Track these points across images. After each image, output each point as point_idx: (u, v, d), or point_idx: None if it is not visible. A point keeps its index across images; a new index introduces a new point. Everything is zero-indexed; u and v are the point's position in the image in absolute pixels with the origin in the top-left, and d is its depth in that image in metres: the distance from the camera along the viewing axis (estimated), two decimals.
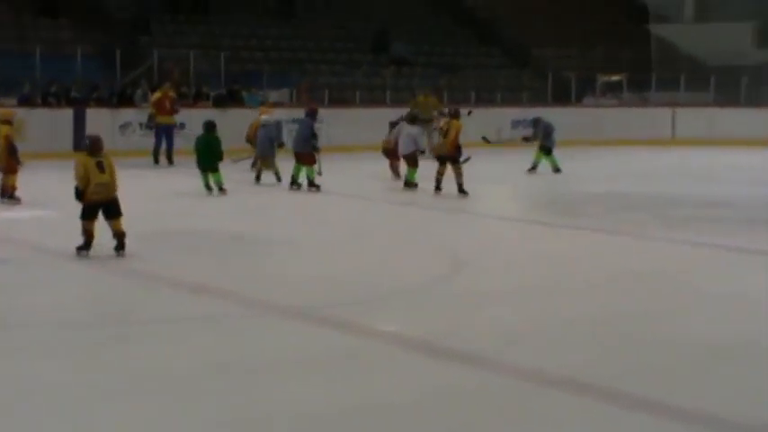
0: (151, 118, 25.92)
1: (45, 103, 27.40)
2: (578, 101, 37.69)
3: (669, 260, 13.42)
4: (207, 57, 31.66)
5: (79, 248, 12.56)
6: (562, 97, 36.83)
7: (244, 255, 13.54)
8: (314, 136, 20.31)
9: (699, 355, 8.74)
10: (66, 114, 27.11)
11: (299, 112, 28.34)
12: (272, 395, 7.60)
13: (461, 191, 19.39)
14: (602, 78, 39.16)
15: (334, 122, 28.52)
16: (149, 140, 25.99)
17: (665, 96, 37.66)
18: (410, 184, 20.56)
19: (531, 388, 7.91)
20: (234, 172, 20.34)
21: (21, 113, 22.04)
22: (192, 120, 25.80)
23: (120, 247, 12.66)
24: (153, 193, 19.31)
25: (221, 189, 19.30)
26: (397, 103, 31.07)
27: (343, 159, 25.46)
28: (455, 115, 20.28)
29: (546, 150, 24.48)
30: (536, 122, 25.33)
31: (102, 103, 28.17)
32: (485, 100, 34.35)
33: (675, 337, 9.28)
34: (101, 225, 12.67)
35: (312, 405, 7.38)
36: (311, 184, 20.08)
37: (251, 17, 36.12)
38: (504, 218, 18.49)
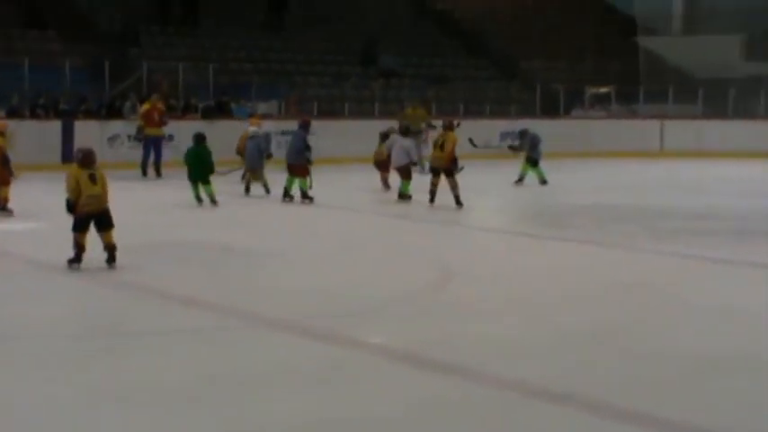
0: (140, 130, 25.89)
1: (33, 115, 27.41)
2: (567, 113, 37.79)
3: (658, 272, 13.44)
4: (196, 69, 31.68)
5: (70, 261, 12.54)
6: (551, 109, 36.92)
7: (234, 267, 13.53)
8: (308, 148, 20.30)
9: (687, 368, 8.75)
10: (55, 126, 27.12)
11: (288, 124, 28.56)
12: (263, 407, 7.60)
13: (458, 203, 19.40)
14: (591, 91, 39.28)
15: (323, 134, 28.54)
16: (138, 153, 25.98)
17: (654, 108, 37.79)
18: (404, 197, 20.57)
19: (517, 399, 7.91)
20: (223, 184, 20.33)
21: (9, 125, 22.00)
22: (181, 132, 25.85)
23: (110, 259, 12.65)
24: (142, 205, 19.30)
25: (213, 201, 19.29)
26: (385, 115, 31.15)
27: (333, 171, 25.49)
28: (450, 127, 20.25)
29: (532, 162, 24.54)
30: (522, 134, 25.39)
31: (90, 115, 28.19)
32: (473, 112, 34.43)
33: (664, 349, 9.29)
34: (91, 238, 12.65)
35: (303, 417, 7.37)
36: (304, 195, 20.08)
37: (240, 29, 36.16)
38: (493, 230, 18.51)
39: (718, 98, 37.13)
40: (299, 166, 20.15)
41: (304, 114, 27.96)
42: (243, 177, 22.21)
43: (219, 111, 30.00)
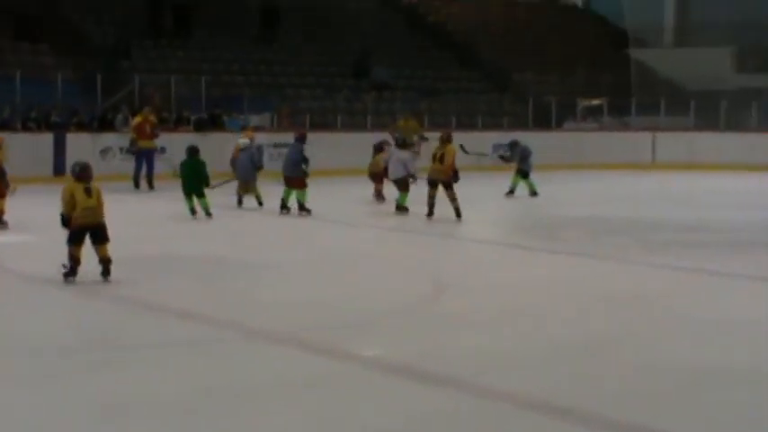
0: (133, 143, 25.84)
1: (25, 128, 27.37)
2: (559, 125, 37.83)
3: (650, 284, 13.46)
4: (188, 81, 31.65)
5: (66, 275, 12.50)
6: (543, 122, 36.96)
7: (229, 279, 13.51)
8: (305, 160, 20.34)
9: (681, 380, 8.75)
10: (47, 139, 27.11)
11: (281, 137, 28.61)
12: (259, 420, 7.59)
13: (458, 215, 19.39)
14: (583, 103, 39.29)
15: (315, 147, 28.53)
16: (130, 165, 25.96)
17: (646, 121, 37.83)
18: (401, 209, 20.56)
19: (511, 411, 7.91)
20: (217, 196, 20.32)
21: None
22: (173, 144, 25.80)
23: (105, 272, 12.61)
24: (134, 217, 19.27)
25: (208, 213, 19.29)
26: (378, 127, 31.13)
27: (325, 183, 25.47)
28: (448, 140, 20.21)
29: (523, 174, 24.59)
30: (513, 145, 25.45)
31: (82, 127, 28.18)
32: (465, 124, 34.41)
33: (657, 361, 9.29)
34: (86, 251, 12.64)
35: (299, 430, 7.38)
36: (302, 208, 20.09)
37: (232, 42, 36.15)
38: (487, 242, 18.53)
39: (709, 110, 37.19)
40: (297, 178, 20.19)
41: (296, 127, 28.01)
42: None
43: (212, 123, 30.00)
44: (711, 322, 11.08)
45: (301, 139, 20.97)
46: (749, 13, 41.50)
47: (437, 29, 43.25)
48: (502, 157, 26.29)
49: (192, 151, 19.87)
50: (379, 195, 22.67)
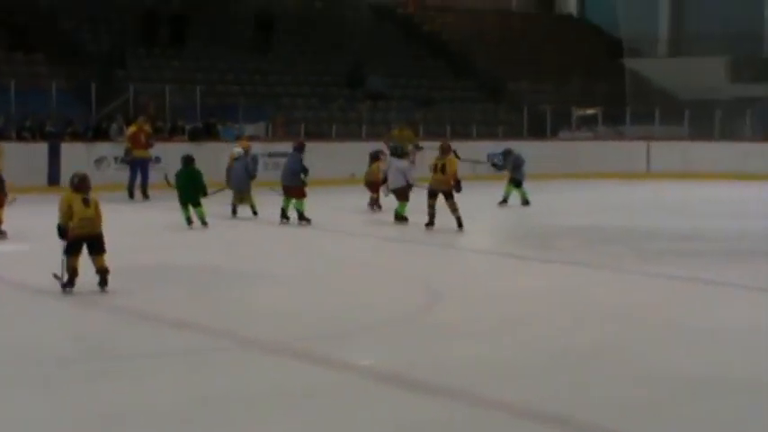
0: (128, 152, 25.81)
1: (20, 138, 27.34)
2: (554, 134, 37.82)
3: (645, 293, 13.47)
4: (182, 90, 31.62)
5: (64, 285, 12.48)
6: (537, 131, 36.94)
7: (225, 289, 13.51)
8: (304, 170, 20.37)
9: (677, 389, 8.74)
10: (41, 149, 27.09)
11: (275, 146, 28.61)
12: (255, 429, 7.61)
13: (460, 225, 19.37)
14: (578, 112, 39.30)
15: (309, 156, 28.51)
16: (124, 175, 25.93)
17: (640, 130, 37.83)
18: (400, 218, 20.54)
19: (506, 421, 7.91)
20: (211, 206, 20.28)
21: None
22: (168, 154, 25.81)
23: (103, 282, 12.59)
24: (130, 227, 19.22)
25: (204, 223, 19.28)
26: (372, 136, 31.10)
27: (321, 193, 25.45)
28: (449, 150, 20.16)
29: (516, 183, 24.58)
30: (506, 154, 25.44)
31: (77, 137, 28.16)
32: (460, 133, 34.35)
33: (654, 370, 9.28)
34: (83, 261, 12.62)
35: None
36: (301, 217, 20.10)
37: (227, 51, 36.12)
38: (482, 251, 18.55)
39: (704, 120, 37.20)
40: (295, 187, 20.23)
41: (291, 136, 27.99)
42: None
43: (207, 133, 29.99)
44: (707, 331, 11.08)
45: (300, 149, 21.01)
46: (743, 23, 41.62)
47: (432, 38, 43.27)
48: (494, 165, 26.29)
49: (188, 160, 19.88)
50: (374, 204, 22.68)
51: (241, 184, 21.30)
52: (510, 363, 9.68)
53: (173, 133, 29.64)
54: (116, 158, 27.23)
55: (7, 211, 17.78)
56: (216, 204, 20.79)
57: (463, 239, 19.27)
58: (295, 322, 11.28)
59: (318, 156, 28.71)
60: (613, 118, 39.03)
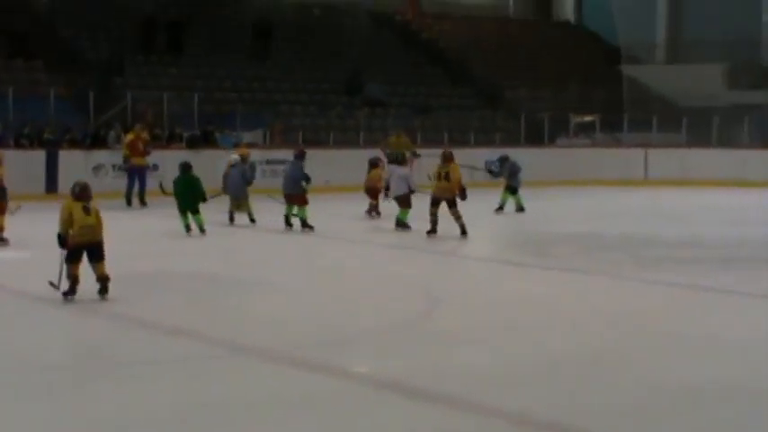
0: (126, 160, 25.79)
1: (18, 145, 27.32)
2: (551, 141, 37.83)
3: (644, 300, 13.46)
4: (180, 98, 31.63)
5: (65, 294, 12.49)
6: (535, 138, 36.94)
7: (224, 296, 13.50)
8: (306, 177, 20.41)
9: (676, 396, 8.73)
10: (39, 156, 27.08)
11: (273, 154, 28.61)
12: None
13: (464, 232, 19.39)
14: (575, 119, 39.30)
15: (307, 163, 28.53)
16: (122, 182, 25.90)
17: (638, 137, 37.84)
18: (402, 225, 20.53)
19: (504, 428, 7.91)
20: (208, 213, 20.25)
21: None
22: (166, 161, 25.78)
23: (103, 290, 12.61)
24: (127, 234, 19.18)
25: (202, 230, 19.26)
26: (370, 144, 31.13)
27: (318, 200, 25.43)
28: (452, 158, 20.12)
29: (512, 190, 24.56)
30: (503, 161, 25.43)
31: (75, 144, 28.15)
32: (458, 141, 34.34)
33: (652, 378, 9.27)
34: (82, 269, 12.61)
35: None
36: (304, 224, 20.12)
37: (225, 58, 36.14)
38: (481, 258, 18.53)
39: (701, 126, 37.21)
40: (297, 195, 20.27)
41: (289, 144, 27.99)
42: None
43: (204, 140, 29.97)
44: (706, 338, 11.08)
45: (300, 157, 21.08)
46: (741, 30, 41.66)
47: (430, 46, 43.31)
48: (490, 172, 26.27)
49: (185, 167, 19.86)
50: (373, 210, 22.69)
51: (238, 190, 21.29)
52: (509, 370, 9.67)
53: (170, 141, 29.63)
54: (114, 166, 27.22)
55: (10, 218, 17.77)
56: (213, 212, 20.78)
57: (462, 246, 19.26)
58: (293, 329, 11.29)
59: (316, 163, 28.79)
60: (611, 125, 39.05)
